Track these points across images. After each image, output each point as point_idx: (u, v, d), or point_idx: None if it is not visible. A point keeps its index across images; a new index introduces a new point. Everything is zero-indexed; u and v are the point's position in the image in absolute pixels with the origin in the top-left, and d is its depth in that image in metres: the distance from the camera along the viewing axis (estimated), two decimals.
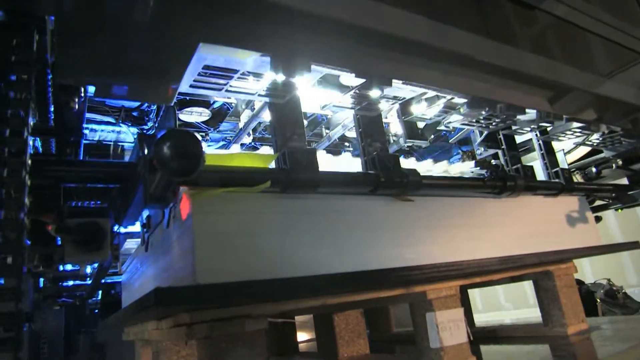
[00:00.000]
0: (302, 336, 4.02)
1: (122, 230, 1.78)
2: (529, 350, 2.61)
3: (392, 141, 3.03)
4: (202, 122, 2.85)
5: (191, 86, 1.36)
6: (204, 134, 2.96)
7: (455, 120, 2.09)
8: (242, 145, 3.04)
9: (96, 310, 4.47)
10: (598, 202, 3.30)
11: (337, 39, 1.31)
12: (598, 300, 5.12)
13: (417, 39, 1.37)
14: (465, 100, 1.97)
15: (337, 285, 1.65)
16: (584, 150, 3.14)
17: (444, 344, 2.00)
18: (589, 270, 6.17)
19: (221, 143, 3.28)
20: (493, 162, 2.38)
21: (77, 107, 1.29)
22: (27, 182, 0.89)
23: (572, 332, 2.62)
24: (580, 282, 5.37)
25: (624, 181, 3.34)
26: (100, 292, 4.00)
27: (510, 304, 7.22)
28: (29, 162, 0.92)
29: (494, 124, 2.15)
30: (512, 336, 2.97)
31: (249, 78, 1.47)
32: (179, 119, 2.62)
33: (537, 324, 2.86)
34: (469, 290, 3.45)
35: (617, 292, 5.21)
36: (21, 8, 0.97)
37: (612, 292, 5.22)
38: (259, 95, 1.49)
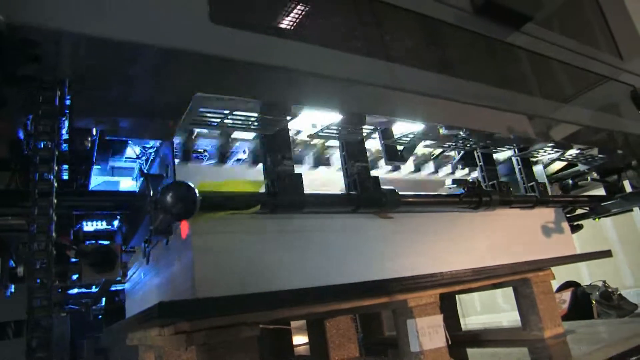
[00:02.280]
0: (300, 339, 4.19)
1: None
2: (507, 352, 2.79)
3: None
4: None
5: (190, 124, 1.54)
6: (201, 151, 3.12)
7: (432, 143, 2.27)
8: (238, 160, 3.21)
9: (100, 316, 4.62)
10: (579, 211, 3.48)
11: (323, 87, 1.50)
12: (594, 302, 5.16)
13: (401, 86, 1.57)
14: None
15: (323, 297, 1.84)
16: (561, 163, 3.31)
17: (424, 348, 2.18)
18: (585, 272, 6.24)
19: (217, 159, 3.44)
20: (470, 178, 2.55)
21: (89, 145, 1.48)
22: (54, 218, 1.08)
23: (549, 335, 2.79)
24: (576, 284, 5.46)
25: (602, 191, 3.51)
26: (104, 299, 4.15)
27: (508, 306, 7.31)
28: (55, 201, 1.10)
29: (470, 145, 2.33)
30: (493, 340, 3.14)
31: (242, 115, 1.65)
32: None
33: (517, 327, 3.03)
34: (468, 294, 3.62)
35: (613, 294, 5.21)
36: (46, 68, 1.15)
37: (608, 294, 5.21)
38: (251, 128, 1.67)
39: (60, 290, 3.26)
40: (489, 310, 7.58)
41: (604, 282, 5.32)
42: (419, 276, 2.07)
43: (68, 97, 1.23)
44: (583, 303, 5.05)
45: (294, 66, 1.35)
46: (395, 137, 2.12)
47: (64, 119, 1.39)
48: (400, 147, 2.17)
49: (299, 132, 2.15)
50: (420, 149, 2.56)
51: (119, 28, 1.10)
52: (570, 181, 3.29)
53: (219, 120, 1.51)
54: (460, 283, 2.37)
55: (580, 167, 3.16)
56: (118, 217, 1.67)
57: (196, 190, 1.17)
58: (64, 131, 1.52)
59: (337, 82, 1.49)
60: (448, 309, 2.96)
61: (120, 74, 1.23)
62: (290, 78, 1.39)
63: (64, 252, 1.47)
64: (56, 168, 1.20)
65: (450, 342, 2.28)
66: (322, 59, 1.43)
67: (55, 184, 1.10)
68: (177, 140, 1.80)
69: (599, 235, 5.95)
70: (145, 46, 1.13)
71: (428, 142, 2.23)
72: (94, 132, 1.53)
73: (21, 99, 1.18)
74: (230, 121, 1.60)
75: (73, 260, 1.68)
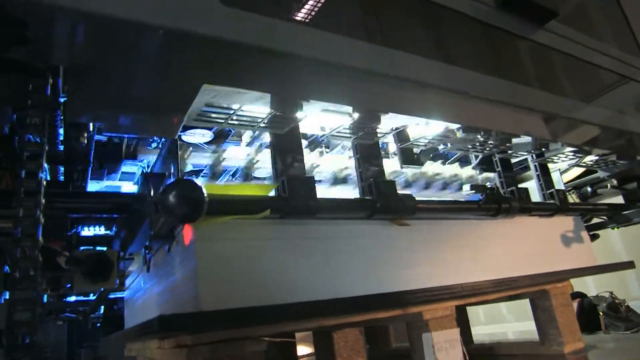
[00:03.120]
0: (303, 350, 4.04)
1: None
2: None
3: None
4: (205, 142, 2.91)
5: (195, 120, 1.42)
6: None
7: (450, 146, 2.15)
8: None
9: (98, 325, 4.50)
10: (595, 220, 3.34)
11: (336, 78, 1.37)
12: (601, 313, 5.05)
13: (415, 77, 1.44)
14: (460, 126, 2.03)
15: (333, 310, 1.71)
16: (579, 169, 3.18)
17: None
18: (591, 283, 6.13)
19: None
20: (488, 184, 2.43)
21: (86, 141, 1.36)
22: (42, 220, 0.95)
23: (569, 350, 2.65)
24: (582, 295, 5.33)
25: (621, 199, 3.38)
26: (103, 307, 4.03)
27: (512, 316, 7.19)
28: (43, 201, 0.98)
29: (488, 149, 2.21)
30: (509, 354, 3.00)
31: (250, 110, 1.53)
32: (182, 140, 2.68)
33: (535, 342, 2.89)
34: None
35: (620, 305, 5.13)
36: (37, 59, 1.03)
37: (615, 305, 5.14)
38: (260, 127, 1.55)
39: (52, 299, 3.14)
40: (494, 320, 7.43)
41: (611, 293, 5.21)
42: (436, 288, 1.94)
43: (62, 87, 1.11)
44: (590, 314, 4.93)
45: (309, 54, 1.22)
46: (412, 139, 2.01)
47: (58, 112, 1.27)
48: (416, 150, 2.05)
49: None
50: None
51: (121, 5, 0.98)
52: (589, 189, 3.16)
53: (226, 116, 1.39)
54: (480, 295, 2.23)
55: (600, 174, 3.03)
56: (116, 221, 1.54)
57: (204, 190, 1.04)
58: (60, 130, 1.41)
59: (352, 73, 1.36)
60: (460, 321, 2.83)
61: (121, 60, 1.10)
62: (303, 68, 1.27)
63: (55, 258, 1.35)
64: (46, 166, 1.08)
65: (467, 358, 2.15)
66: (338, 47, 1.31)
67: (44, 183, 0.98)
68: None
69: (606, 249, 5.83)
70: (150, 27, 1.00)
71: (446, 145, 2.10)
72: (91, 128, 1.41)
73: (9, 88, 1.06)
74: (238, 118, 1.48)
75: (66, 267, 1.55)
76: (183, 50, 1.11)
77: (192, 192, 1.01)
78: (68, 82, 1.13)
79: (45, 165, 1.29)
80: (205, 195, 1.04)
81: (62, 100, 1.14)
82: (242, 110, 1.41)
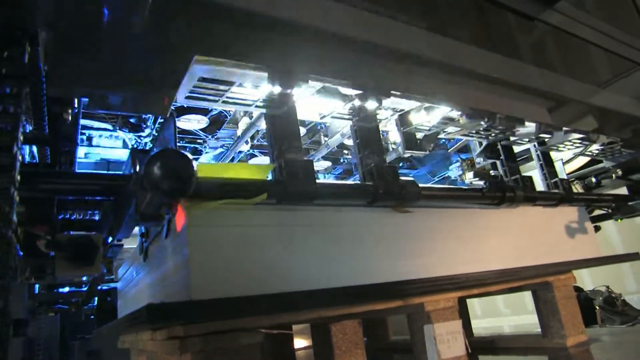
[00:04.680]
0: (301, 342, 3.98)
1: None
2: None
3: (390, 149, 3.02)
4: (200, 129, 2.83)
5: (187, 97, 1.34)
6: (201, 141, 2.94)
7: (454, 131, 2.07)
8: (240, 152, 3.02)
9: (92, 317, 4.43)
10: (598, 212, 3.28)
11: (335, 52, 1.29)
12: (597, 307, 5.07)
13: (416, 52, 1.36)
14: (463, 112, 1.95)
15: (332, 301, 1.64)
16: (583, 159, 3.12)
17: (442, 357, 1.98)
18: (587, 277, 6.13)
19: (219, 150, 3.26)
20: (492, 172, 2.36)
21: (70, 118, 1.27)
22: (16, 198, 0.87)
23: (572, 343, 2.59)
24: (579, 289, 5.33)
25: (624, 190, 3.32)
26: (96, 298, 3.96)
27: (509, 310, 7.19)
28: (19, 177, 0.90)
29: (493, 135, 2.14)
30: (510, 347, 2.94)
31: (246, 88, 1.45)
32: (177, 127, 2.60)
33: (536, 334, 2.83)
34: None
35: (616, 300, 5.17)
36: (13, 21, 0.95)
37: (611, 300, 5.18)
38: (256, 106, 1.47)
39: (43, 290, 3.06)
40: (490, 314, 7.42)
41: (607, 287, 5.23)
42: (440, 278, 1.87)
43: (41, 57, 1.02)
44: (586, 308, 4.93)
45: (308, 22, 1.14)
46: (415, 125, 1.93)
47: (42, 87, 1.18)
48: (419, 135, 1.97)
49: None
50: None
51: None
52: (593, 179, 3.09)
53: (220, 93, 1.30)
54: (483, 286, 2.16)
55: (605, 164, 2.96)
56: (103, 204, 1.46)
57: (192, 161, 0.96)
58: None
59: (353, 45, 1.27)
60: (461, 313, 2.76)
61: (107, 29, 1.02)
62: (301, 39, 1.18)
63: (35, 243, 1.27)
64: (34, 147, 0.99)
65: (470, 351, 2.09)
66: (339, 17, 1.22)
67: (19, 158, 0.90)
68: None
69: (603, 242, 5.81)
70: None
71: (450, 130, 2.02)
72: (76, 104, 1.32)
73: None
74: (232, 97, 1.40)
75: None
76: (174, 17, 1.02)
77: (178, 163, 0.93)
78: (48, 49, 1.04)
79: (27, 146, 1.21)
80: (195, 167, 0.96)
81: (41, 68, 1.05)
82: (237, 87, 1.32)
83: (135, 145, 2.80)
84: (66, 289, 3.58)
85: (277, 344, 3.28)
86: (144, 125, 2.70)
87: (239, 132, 2.78)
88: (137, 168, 1.08)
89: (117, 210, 1.35)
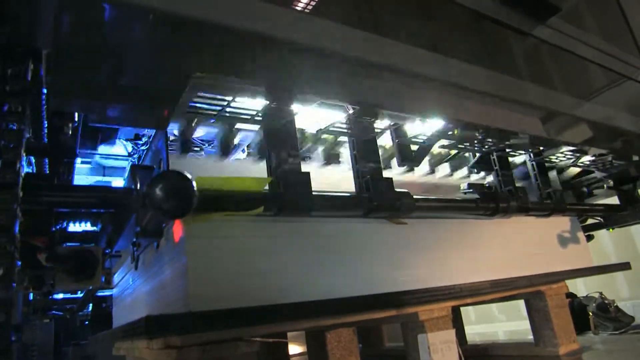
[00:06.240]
0: (295, 349, 3.98)
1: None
2: None
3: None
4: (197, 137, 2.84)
5: (187, 112, 1.36)
6: (198, 148, 2.94)
7: (448, 143, 2.10)
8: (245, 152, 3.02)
9: (86, 323, 4.41)
10: (590, 221, 3.32)
11: (331, 70, 1.32)
12: (590, 313, 5.09)
13: (411, 69, 1.39)
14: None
15: (327, 311, 1.66)
16: (576, 169, 3.16)
17: None
18: (581, 284, 6.17)
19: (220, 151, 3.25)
20: (485, 183, 2.39)
21: (70, 132, 1.29)
22: (20, 215, 0.89)
23: (564, 352, 2.62)
24: (572, 295, 5.36)
25: (616, 200, 3.36)
26: (91, 305, 3.95)
27: (503, 316, 7.21)
28: (21, 193, 0.92)
29: (486, 147, 2.17)
30: (503, 355, 2.96)
31: (244, 103, 1.47)
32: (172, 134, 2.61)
33: (529, 342, 2.86)
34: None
35: (609, 306, 5.17)
36: (15, 38, 0.97)
37: (604, 306, 5.16)
38: (254, 120, 1.49)
39: (38, 296, 3.05)
40: (484, 320, 7.44)
41: (601, 293, 5.25)
42: (434, 289, 1.90)
43: (43, 71, 1.04)
44: (579, 314, 4.96)
45: (304, 41, 1.16)
46: (410, 136, 1.96)
47: (42, 101, 1.20)
48: (414, 147, 1.99)
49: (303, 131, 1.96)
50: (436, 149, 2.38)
51: None
52: (585, 189, 3.13)
53: (219, 108, 1.33)
54: (477, 295, 2.19)
55: (597, 175, 3.00)
56: (102, 216, 1.47)
57: (193, 182, 0.98)
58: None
59: (349, 63, 1.30)
60: (454, 321, 2.78)
61: (109, 45, 1.04)
62: (298, 57, 1.21)
63: (36, 255, 1.28)
64: (31, 158, 1.01)
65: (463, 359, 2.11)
66: (336, 36, 1.25)
67: (23, 174, 0.91)
68: (174, 128, 1.60)
69: (596, 250, 5.86)
70: (140, 8, 0.94)
71: (444, 142, 2.05)
72: (76, 118, 1.34)
73: None
74: (231, 112, 1.42)
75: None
76: (174, 35, 1.05)
77: (180, 185, 0.95)
78: (50, 65, 1.06)
79: (26, 157, 1.23)
80: (195, 188, 0.98)
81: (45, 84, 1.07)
82: (236, 102, 1.34)
83: (132, 152, 2.81)
84: (60, 296, 3.57)
85: (271, 351, 3.28)
86: (142, 134, 2.71)
87: (236, 140, 2.79)
88: (138, 185, 1.10)
89: (116, 222, 1.36)
